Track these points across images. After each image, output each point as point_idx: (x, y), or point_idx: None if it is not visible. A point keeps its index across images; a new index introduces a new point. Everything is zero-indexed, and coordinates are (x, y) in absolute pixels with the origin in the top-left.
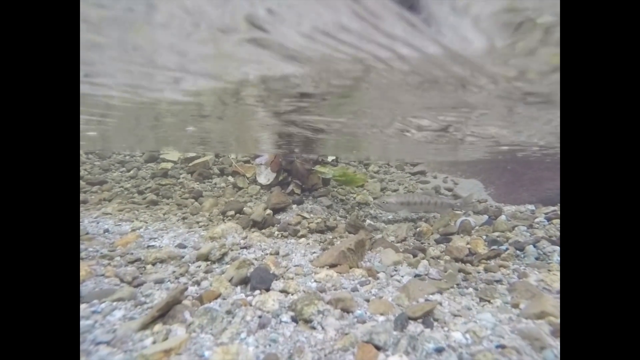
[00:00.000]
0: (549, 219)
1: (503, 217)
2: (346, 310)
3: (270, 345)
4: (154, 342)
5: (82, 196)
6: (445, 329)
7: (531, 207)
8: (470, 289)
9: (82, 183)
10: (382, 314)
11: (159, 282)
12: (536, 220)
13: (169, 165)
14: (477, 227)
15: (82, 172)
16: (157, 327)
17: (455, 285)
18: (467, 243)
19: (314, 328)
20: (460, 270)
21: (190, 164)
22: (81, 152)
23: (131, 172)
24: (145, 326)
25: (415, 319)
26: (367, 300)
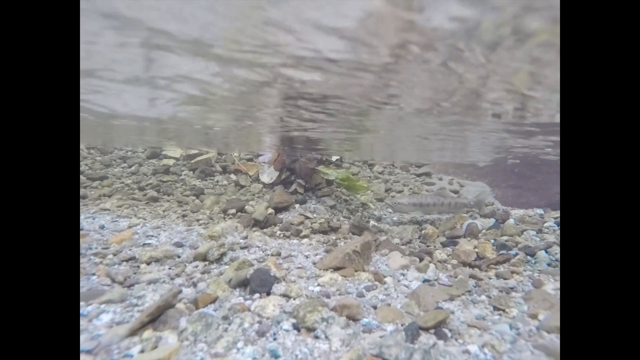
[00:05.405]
0: (559, 224)
1: (511, 220)
2: (352, 318)
3: (269, 357)
4: (141, 351)
5: (81, 191)
6: (460, 341)
7: (540, 211)
8: (483, 297)
9: (82, 178)
10: (390, 323)
11: (153, 282)
12: (546, 224)
13: (171, 161)
14: (484, 231)
15: (83, 167)
16: (147, 333)
17: (466, 292)
18: (475, 247)
19: (317, 337)
20: (471, 276)
21: (192, 161)
22: (83, 146)
23: (132, 168)
24: (134, 332)
25: (427, 329)
26: (375, 307)
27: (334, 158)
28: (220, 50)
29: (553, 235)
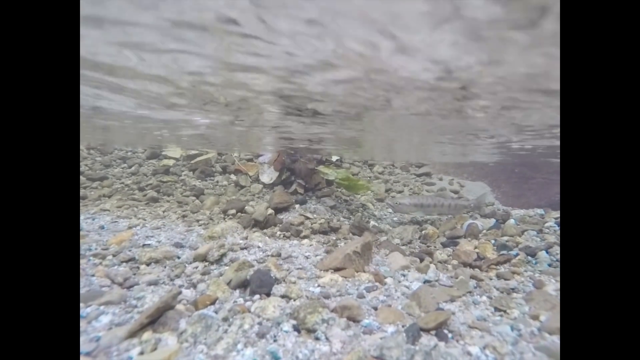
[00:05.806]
0: (559, 224)
1: (512, 221)
2: (353, 320)
3: (269, 359)
4: (140, 353)
5: (81, 192)
6: (462, 342)
7: (540, 211)
8: (484, 297)
9: (82, 179)
10: (391, 324)
11: (153, 283)
12: (546, 224)
13: (171, 162)
14: (484, 231)
15: (82, 168)
16: (146, 335)
17: (467, 293)
18: (475, 247)
19: (318, 339)
20: (471, 277)
21: (192, 162)
22: (83, 147)
23: (132, 168)
24: (133, 334)
25: (427, 331)
26: (375, 308)
27: (334, 158)
28: None
29: (554, 236)
